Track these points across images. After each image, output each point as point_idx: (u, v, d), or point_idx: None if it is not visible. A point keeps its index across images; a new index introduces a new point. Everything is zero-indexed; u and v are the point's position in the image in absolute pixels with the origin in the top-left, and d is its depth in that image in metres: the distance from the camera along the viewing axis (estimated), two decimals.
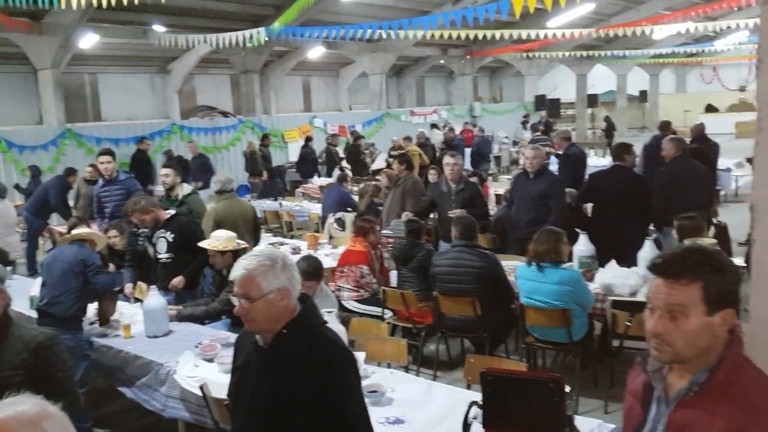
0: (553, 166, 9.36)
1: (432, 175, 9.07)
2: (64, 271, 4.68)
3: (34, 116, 16.47)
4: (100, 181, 7.47)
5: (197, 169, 12.72)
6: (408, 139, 15.14)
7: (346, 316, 5.30)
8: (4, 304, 2.96)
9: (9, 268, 6.70)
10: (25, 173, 12.51)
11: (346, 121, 19.65)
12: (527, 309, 4.94)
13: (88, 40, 13.74)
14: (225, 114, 19.83)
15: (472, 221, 5.41)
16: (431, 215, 7.17)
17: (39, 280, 5.13)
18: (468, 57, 24.16)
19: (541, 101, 25.17)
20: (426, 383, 3.91)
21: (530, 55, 23.02)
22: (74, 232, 5.37)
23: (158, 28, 14.34)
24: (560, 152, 9.76)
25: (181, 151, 14.50)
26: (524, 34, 14.63)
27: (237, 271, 2.36)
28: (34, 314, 4.95)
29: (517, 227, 6.53)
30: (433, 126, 18.75)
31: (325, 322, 2.59)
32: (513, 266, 5.52)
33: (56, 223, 10.24)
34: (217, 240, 4.96)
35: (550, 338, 4.99)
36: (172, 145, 14.95)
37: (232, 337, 4.45)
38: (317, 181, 13.37)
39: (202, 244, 5.10)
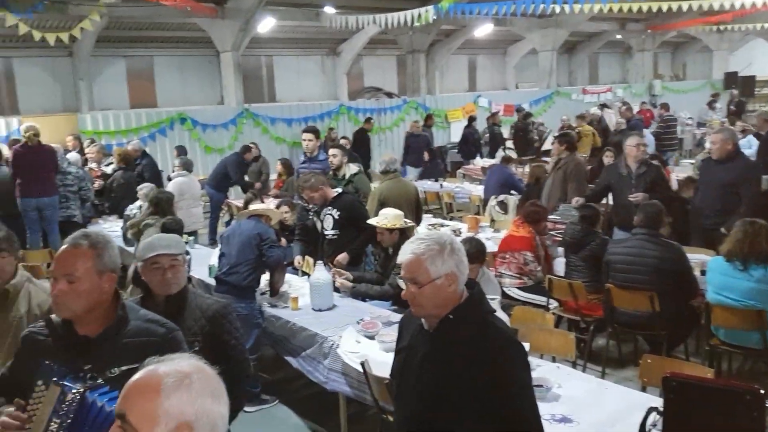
0: (747, 150, 8.41)
1: (608, 158, 8.50)
2: (242, 244, 4.93)
3: (216, 97, 17.71)
4: (302, 157, 7.81)
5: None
6: (581, 117, 14.34)
7: (507, 303, 5.11)
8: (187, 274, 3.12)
9: (192, 238, 7.24)
10: (208, 150, 13.56)
11: (513, 100, 19.14)
12: (715, 307, 4.45)
13: (266, 24, 14.46)
14: (390, 95, 20.10)
15: (659, 208, 4.97)
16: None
17: (218, 250, 5.46)
18: (648, 31, 22.44)
19: (732, 79, 22.86)
20: (596, 381, 3.64)
21: (721, 27, 20.91)
22: (251, 207, 5.65)
23: (329, 10, 14.76)
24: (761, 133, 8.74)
25: (348, 132, 14.90)
26: (716, 4, 13.25)
27: (404, 255, 2.31)
28: (212, 282, 5.29)
29: (703, 216, 5.94)
30: (603, 106, 17.70)
31: (494, 311, 2.46)
32: (698, 260, 5.01)
33: (233, 197, 10.97)
34: (385, 218, 4.98)
35: (739, 342, 4.47)
36: (340, 126, 15.40)
37: (393, 315, 4.46)
38: (480, 162, 13.13)
39: (370, 221, 5.15)
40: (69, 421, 1.89)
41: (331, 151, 6.63)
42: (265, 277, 5.16)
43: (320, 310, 4.73)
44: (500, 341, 2.26)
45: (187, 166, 8.72)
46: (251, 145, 10.87)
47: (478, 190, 10.08)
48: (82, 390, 1.92)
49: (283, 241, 5.90)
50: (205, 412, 1.42)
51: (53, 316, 2.31)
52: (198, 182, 9.13)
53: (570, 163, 7.28)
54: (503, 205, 8.20)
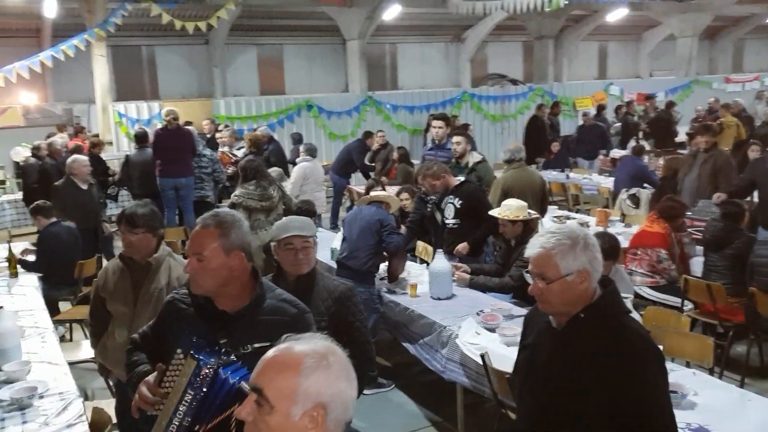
0: None
1: (753, 152, 7.83)
2: (362, 229, 4.98)
3: (341, 84, 18.06)
4: (429, 144, 7.81)
5: None
6: (726, 107, 13.29)
7: (637, 303, 4.83)
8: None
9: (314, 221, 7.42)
10: (332, 137, 13.87)
11: (646, 88, 18.10)
12: None
13: (392, 11, 14.54)
14: (514, 82, 19.64)
15: None
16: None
17: (340, 234, 5.55)
18: None
19: None
20: (737, 391, 3.36)
21: None
22: (372, 194, 5.68)
23: None
24: None
25: (470, 119, 14.71)
26: None
27: (533, 248, 2.21)
28: (333, 264, 5.39)
29: None
30: (762, 94, 16.15)
31: (629, 311, 2.31)
32: None
33: (355, 183, 11.15)
34: (508, 209, 4.84)
35: None
36: (462, 113, 15.23)
37: (515, 309, 4.35)
38: (610, 153, 12.52)
39: (492, 212, 5.03)
40: (201, 394, 1.97)
41: (455, 139, 6.54)
42: (384, 263, 5.18)
43: (439, 299, 4.69)
44: (637, 343, 2.13)
45: (311, 152, 8.94)
46: (378, 132, 10.96)
47: (608, 182, 9.63)
48: (215, 366, 1.98)
49: (403, 228, 5.91)
50: (340, 394, 1.43)
51: None
52: (321, 167, 9.34)
53: (719, 156, 6.82)
54: (635, 199, 7.78)
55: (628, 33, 22.52)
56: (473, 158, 6.48)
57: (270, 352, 1.49)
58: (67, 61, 10.72)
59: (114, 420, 3.21)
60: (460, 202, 5.42)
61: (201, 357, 2.00)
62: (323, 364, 1.43)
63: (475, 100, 15.88)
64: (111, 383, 3.95)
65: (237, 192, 5.94)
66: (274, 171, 8.27)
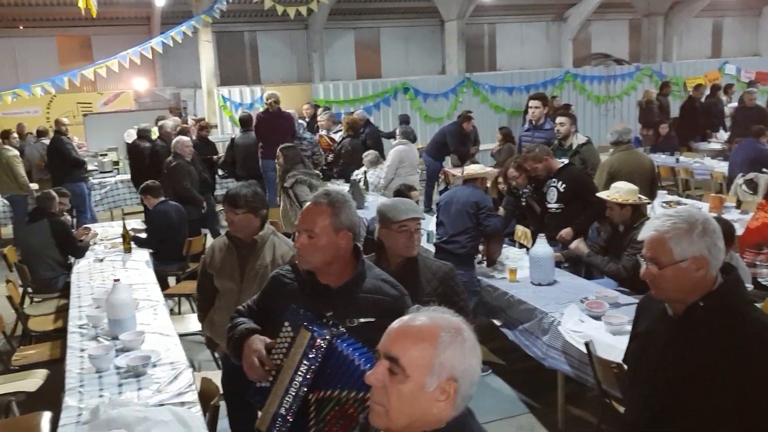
0: None
1: None
2: (459, 212, 4.90)
3: (437, 66, 17.92)
4: (526, 125, 7.64)
5: None
6: None
7: (755, 294, 4.51)
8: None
9: None
10: (427, 119, 13.80)
11: (767, 66, 16.87)
12: None
13: None
14: (619, 61, 18.82)
15: None
16: None
17: (434, 218, 5.49)
18: None
19: None
20: None
21: None
22: (466, 171, 5.51)
23: None
24: None
25: (572, 100, 14.23)
26: None
27: (647, 231, 2.09)
28: (429, 247, 5.34)
29: None
30: None
31: (754, 300, 2.14)
32: None
33: (448, 166, 11.05)
34: (618, 191, 4.62)
35: None
36: (564, 94, 14.76)
37: (622, 297, 4.18)
38: (724, 135, 11.77)
39: (601, 194, 4.82)
40: (317, 365, 2.01)
41: (559, 119, 6.31)
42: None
43: (540, 285, 4.57)
44: (761, 336, 1.97)
45: (408, 135, 8.91)
46: (471, 115, 10.80)
47: (721, 166, 9.05)
48: (329, 337, 2.02)
49: (501, 210, 5.78)
50: (470, 370, 1.45)
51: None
52: (416, 150, 9.29)
53: None
54: (752, 185, 7.26)
55: (747, 8, 21.06)
56: (577, 140, 6.24)
57: (403, 322, 1.50)
58: (175, 48, 11.18)
59: (221, 391, 3.32)
60: (564, 185, 5.23)
61: (315, 329, 2.04)
62: (458, 339, 1.45)
63: (578, 80, 15.34)
64: (217, 356, 4.10)
65: (297, 172, 6.29)
66: (369, 154, 8.34)
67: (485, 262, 5.08)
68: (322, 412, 2.00)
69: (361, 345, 2.03)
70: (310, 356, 2.02)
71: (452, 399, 1.44)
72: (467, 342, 1.46)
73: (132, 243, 6.03)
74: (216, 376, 3.58)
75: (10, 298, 5.17)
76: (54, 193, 6.19)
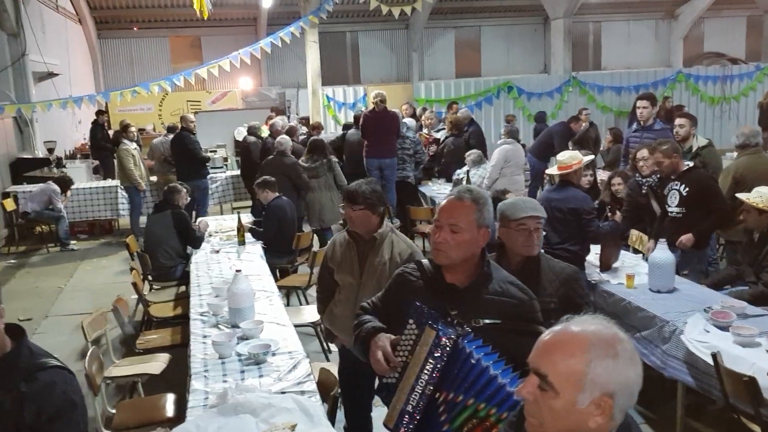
0: None
1: None
2: (558, 220, 4.70)
3: (539, 65, 17.56)
4: (634, 125, 7.38)
5: None
6: None
7: None
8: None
9: None
10: (531, 119, 13.53)
11: None
12: None
13: None
14: (734, 61, 17.78)
15: None
16: None
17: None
18: None
19: None
20: None
21: None
22: (557, 162, 5.22)
23: None
24: None
25: (684, 101, 13.58)
26: None
27: None
28: None
29: None
30: None
31: None
32: None
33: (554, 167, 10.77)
34: (759, 195, 4.34)
35: None
36: (675, 95, 14.11)
37: (750, 308, 3.95)
38: None
39: (740, 195, 4.54)
40: (443, 363, 2.01)
41: (678, 121, 6.04)
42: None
43: (659, 292, 4.37)
44: None
45: (513, 134, 8.77)
46: (584, 112, 10.48)
47: None
48: (455, 337, 2.01)
49: (618, 215, 5.59)
50: (627, 383, 1.38)
51: (424, 260, 2.47)
52: (522, 150, 9.13)
53: None
54: None
55: None
56: (698, 142, 5.94)
57: (552, 335, 1.45)
58: (280, 48, 11.51)
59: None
60: (687, 189, 4.99)
61: (440, 327, 2.04)
62: (611, 353, 1.37)
63: (691, 80, 14.60)
64: (334, 348, 4.18)
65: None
66: (473, 153, 8.27)
67: (599, 267, 4.91)
68: (456, 420, 1.99)
69: (487, 346, 2.01)
70: (436, 355, 2.02)
71: (608, 414, 1.37)
72: (622, 354, 1.37)
73: (246, 235, 6.24)
74: (330, 367, 3.65)
75: (134, 285, 5.49)
76: (180, 187, 6.54)
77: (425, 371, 2.03)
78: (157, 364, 4.32)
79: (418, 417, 2.04)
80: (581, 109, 10.79)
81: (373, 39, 18.16)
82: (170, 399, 3.82)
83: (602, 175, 7.23)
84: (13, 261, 9.17)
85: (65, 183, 9.66)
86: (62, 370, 2.04)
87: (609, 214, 6.12)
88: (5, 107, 10.19)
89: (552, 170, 4.91)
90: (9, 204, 9.87)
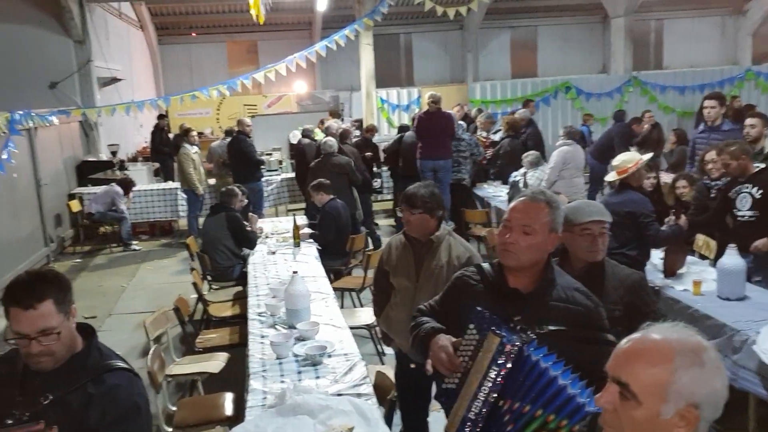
0: None
1: None
2: (615, 224, 4.52)
3: (597, 65, 17.18)
4: (701, 126, 7.15)
5: None
6: None
7: None
8: None
9: None
10: (587, 120, 13.21)
11: None
12: None
13: None
14: None
15: None
16: None
17: None
18: None
19: None
20: None
21: None
22: (615, 163, 5.01)
23: None
24: None
25: (753, 100, 13.04)
26: None
27: None
28: None
29: None
30: None
31: None
32: None
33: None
34: None
35: None
36: (743, 94, 13.58)
37: None
38: None
39: None
40: (507, 371, 1.96)
41: (749, 121, 5.78)
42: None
43: (728, 299, 4.19)
44: None
45: (572, 135, 8.58)
46: (646, 113, 10.19)
47: None
48: (520, 344, 1.96)
49: (683, 218, 5.38)
50: (713, 394, 1.31)
51: (484, 264, 2.42)
52: (582, 152, 8.93)
53: None
54: None
55: None
56: None
57: (632, 343, 1.39)
58: (334, 51, 11.57)
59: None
60: (760, 192, 4.76)
61: (504, 334, 1.99)
62: (697, 362, 1.31)
63: (762, 78, 14.01)
64: (390, 351, 4.15)
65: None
66: (530, 155, 8.12)
67: (663, 273, 4.74)
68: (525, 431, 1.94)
69: (553, 354, 1.95)
70: (499, 361, 1.97)
71: (693, 425, 1.31)
72: (708, 364, 1.32)
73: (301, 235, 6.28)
74: (386, 371, 3.62)
75: (194, 284, 5.59)
76: (237, 190, 6.64)
77: (488, 378, 1.99)
78: (216, 363, 4.38)
79: (480, 425, 2.00)
80: (644, 111, 10.47)
81: (427, 40, 18.10)
82: (229, 398, 3.86)
83: (666, 177, 7.00)
84: (78, 260, 9.49)
85: (128, 185, 9.95)
86: (128, 372, 2.09)
87: (673, 218, 5.91)
88: (72, 111, 10.56)
89: (610, 176, 4.75)
90: (75, 205, 10.23)
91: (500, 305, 2.18)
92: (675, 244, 4.80)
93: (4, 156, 8.02)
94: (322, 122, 11.53)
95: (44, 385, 1.95)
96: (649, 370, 1.32)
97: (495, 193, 8.49)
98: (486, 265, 2.39)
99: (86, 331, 2.09)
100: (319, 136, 10.26)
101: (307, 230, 6.50)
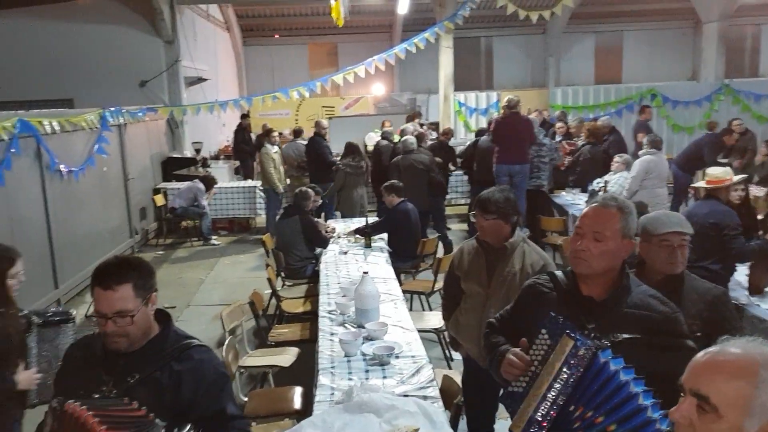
0: None
1: None
2: (699, 235, 4.31)
3: (686, 71, 16.51)
4: None
5: None
6: None
7: None
8: None
9: None
10: (676, 129, 12.75)
11: None
12: None
13: None
14: None
15: None
16: None
17: None
18: None
19: None
20: None
21: None
22: (707, 176, 4.84)
23: None
24: None
25: None
26: None
27: None
28: None
29: None
30: None
31: None
32: None
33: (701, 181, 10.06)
34: None
35: None
36: None
37: None
38: None
39: None
40: (578, 374, 1.92)
41: None
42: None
43: None
44: None
45: (656, 144, 8.27)
46: (735, 121, 9.71)
47: None
48: (594, 348, 1.92)
49: None
50: None
51: (557, 272, 2.38)
52: (666, 161, 8.60)
53: None
54: None
55: None
56: None
57: (711, 355, 1.36)
58: (413, 54, 11.61)
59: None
60: None
61: (578, 337, 1.96)
62: None
63: None
64: (457, 356, 4.13)
65: (341, 161, 8.89)
66: (623, 156, 7.88)
67: (748, 289, 4.51)
68: None
69: (631, 368, 1.89)
70: (572, 363, 1.94)
71: None
72: None
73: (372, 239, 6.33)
74: (453, 375, 3.60)
75: (269, 280, 5.73)
76: (311, 192, 6.75)
77: (559, 380, 1.96)
78: (287, 357, 4.48)
79: (547, 426, 1.97)
80: (732, 120, 9.97)
81: (508, 44, 17.89)
82: (298, 392, 3.94)
83: (756, 191, 6.66)
84: (160, 252, 9.89)
85: (210, 182, 10.29)
86: (207, 347, 2.23)
87: (761, 232, 5.61)
88: (159, 109, 11.04)
89: (699, 183, 4.57)
90: (159, 199, 10.67)
91: (573, 313, 2.14)
92: (762, 260, 4.56)
93: (96, 150, 8.48)
94: (383, 124, 11.63)
95: (128, 365, 2.06)
96: (732, 383, 1.28)
97: (573, 200, 8.29)
98: (559, 273, 2.35)
99: (162, 317, 2.21)
100: (397, 138, 10.31)
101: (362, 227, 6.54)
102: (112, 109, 9.07)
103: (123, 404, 1.93)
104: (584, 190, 8.34)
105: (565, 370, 1.95)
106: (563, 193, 8.90)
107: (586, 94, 13.51)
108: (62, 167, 7.43)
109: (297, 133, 11.09)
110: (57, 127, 7.30)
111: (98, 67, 11.59)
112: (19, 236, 6.39)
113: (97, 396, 1.97)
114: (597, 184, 7.53)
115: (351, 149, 8.96)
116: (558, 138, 9.74)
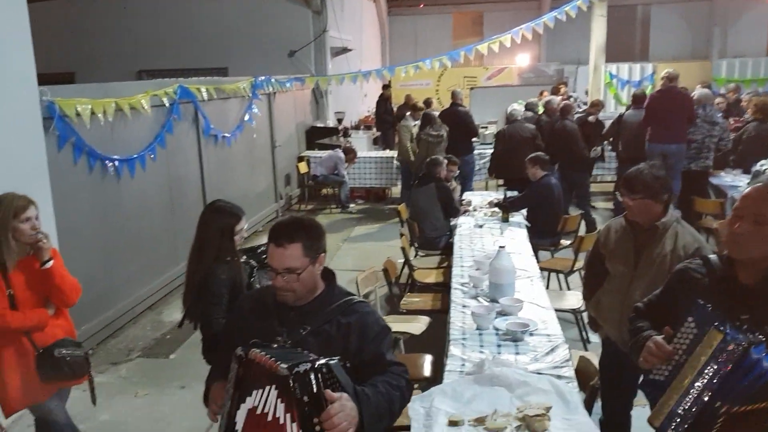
0: None
1: None
2: None
3: None
4: None
5: None
6: None
7: None
8: None
9: None
10: None
11: None
12: None
13: None
14: None
15: None
16: None
17: None
18: None
19: None
20: None
21: None
22: None
23: None
24: None
25: None
26: None
27: None
28: None
29: None
30: None
31: None
32: None
33: None
34: None
35: None
36: None
37: None
38: None
39: None
40: (726, 370, 1.79)
41: None
42: None
43: None
44: None
45: None
46: None
47: None
48: (746, 343, 1.77)
49: None
50: None
51: (712, 256, 2.22)
52: None
53: None
54: None
55: None
56: None
57: None
58: (562, 23, 11.09)
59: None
60: None
61: (727, 331, 1.81)
62: None
63: None
64: (596, 339, 3.96)
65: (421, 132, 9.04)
66: None
67: None
68: None
69: None
70: (719, 360, 1.80)
71: None
72: None
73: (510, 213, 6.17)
74: (590, 357, 3.45)
75: (403, 249, 5.78)
76: (441, 159, 6.71)
77: (704, 375, 1.82)
78: (418, 325, 4.50)
79: (689, 422, 1.83)
80: None
81: (668, 12, 16.63)
82: (428, 360, 3.95)
83: None
84: None
85: (350, 152, 10.53)
86: (367, 303, 2.39)
87: None
88: (306, 79, 11.40)
89: None
90: (302, 167, 11.09)
91: (727, 302, 1.98)
92: None
93: (247, 117, 8.92)
94: (542, 94, 11.19)
95: (299, 318, 2.22)
96: None
97: (734, 182, 7.60)
98: (714, 257, 2.19)
99: (327, 275, 2.36)
100: (542, 110, 9.95)
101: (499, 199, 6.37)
102: (262, 78, 9.48)
103: (299, 353, 2.05)
104: (746, 171, 7.61)
105: (711, 365, 1.82)
106: (722, 173, 8.17)
107: (755, 66, 12.28)
108: (216, 132, 7.89)
109: (428, 104, 11.03)
110: (213, 94, 7.75)
111: (250, 37, 12.16)
112: (176, 194, 6.90)
113: (275, 346, 2.11)
114: (762, 165, 6.84)
115: (429, 119, 9.01)
116: (719, 114, 8.94)
